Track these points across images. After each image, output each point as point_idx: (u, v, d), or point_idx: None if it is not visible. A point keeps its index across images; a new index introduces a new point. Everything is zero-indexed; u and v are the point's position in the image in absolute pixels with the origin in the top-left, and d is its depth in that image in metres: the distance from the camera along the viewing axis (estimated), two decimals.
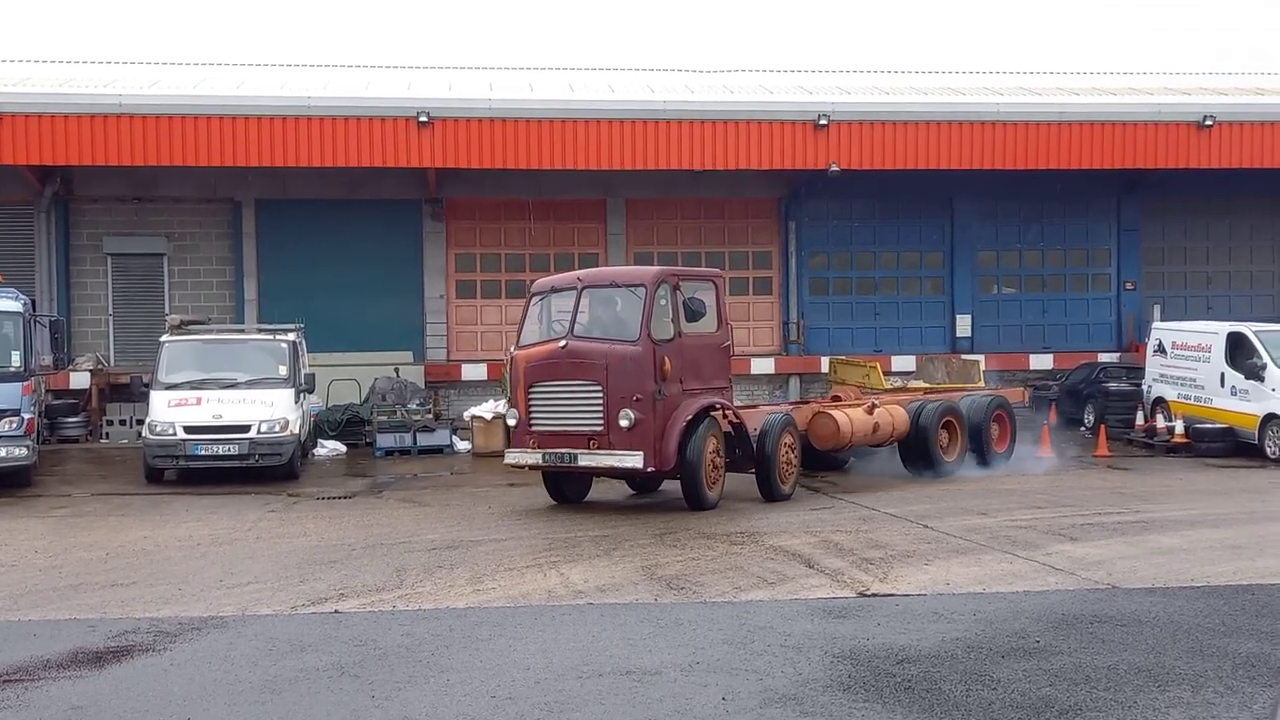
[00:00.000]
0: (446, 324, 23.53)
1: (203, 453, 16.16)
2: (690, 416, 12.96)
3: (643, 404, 12.67)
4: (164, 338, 17.62)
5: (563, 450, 13.02)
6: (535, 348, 13.47)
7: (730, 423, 13.62)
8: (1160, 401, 19.90)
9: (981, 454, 16.58)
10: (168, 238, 22.90)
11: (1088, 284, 25.47)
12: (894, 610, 8.11)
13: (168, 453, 16.20)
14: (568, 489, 14.07)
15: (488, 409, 19.57)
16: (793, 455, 14.15)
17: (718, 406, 13.51)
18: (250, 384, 16.83)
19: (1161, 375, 20.07)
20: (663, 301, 13.19)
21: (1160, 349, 20.23)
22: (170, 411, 16.34)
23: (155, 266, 22.96)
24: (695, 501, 13.00)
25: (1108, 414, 20.52)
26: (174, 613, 8.39)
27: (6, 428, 15.52)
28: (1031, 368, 23.97)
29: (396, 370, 21.42)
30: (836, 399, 16.78)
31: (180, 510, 13.92)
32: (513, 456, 13.54)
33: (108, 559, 10.66)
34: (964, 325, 24.75)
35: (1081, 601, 8.35)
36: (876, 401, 15.99)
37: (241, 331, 18.66)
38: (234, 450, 16.16)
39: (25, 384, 15.98)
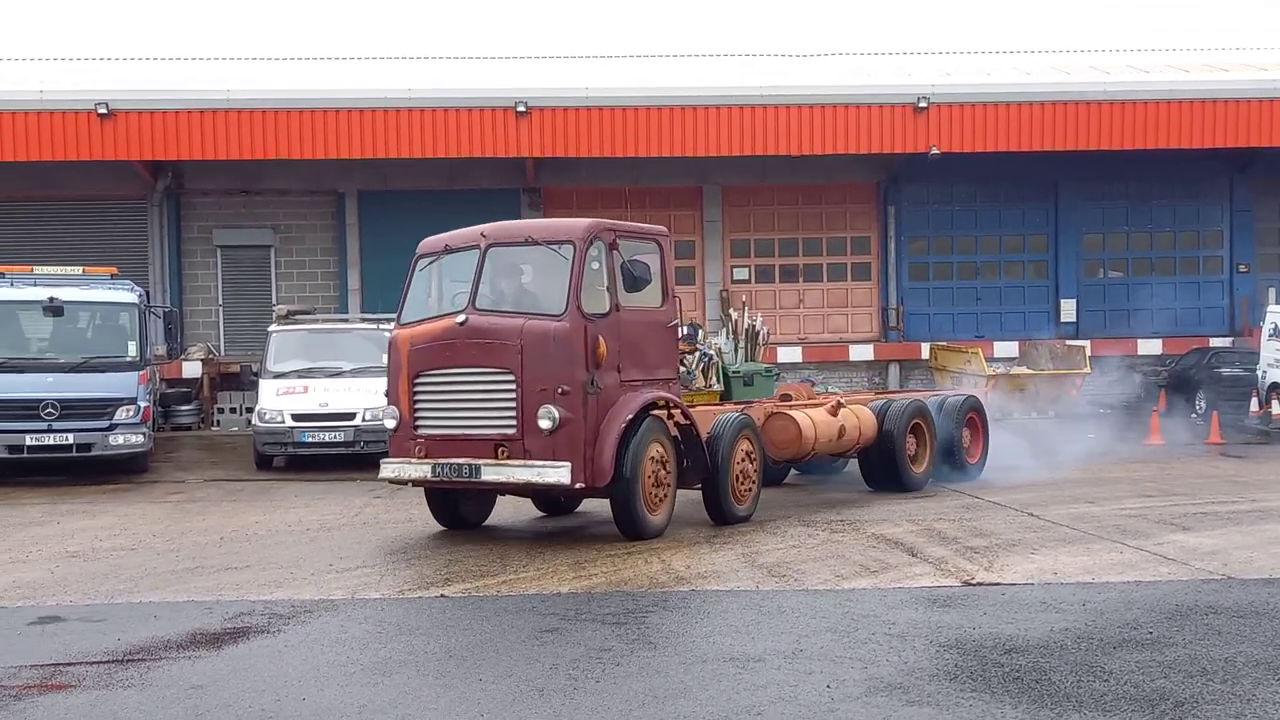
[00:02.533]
0: None
1: (310, 439, 16.54)
2: (631, 415, 10.14)
3: (570, 399, 9.84)
4: (272, 328, 18.07)
5: (461, 461, 10.09)
6: (423, 325, 10.58)
7: (678, 425, 10.87)
8: (1276, 387, 19.30)
9: (952, 464, 14.13)
10: (274, 229, 23.43)
11: (1199, 267, 24.77)
12: (1000, 599, 8.00)
13: (276, 440, 16.62)
14: (465, 509, 11.37)
15: None
16: (751, 466, 11.44)
17: (664, 403, 10.76)
18: (354, 372, 17.17)
19: (1277, 360, 19.45)
20: (595, 265, 10.36)
21: (1276, 333, 19.61)
22: (278, 400, 16.76)
23: (263, 258, 23.53)
24: (632, 527, 10.25)
25: (1220, 400, 19.96)
26: (286, 595, 8.61)
27: (124, 416, 16.05)
28: (1140, 353, 23.39)
29: None
30: (787, 398, 13.95)
31: (289, 496, 14.26)
32: (391, 469, 10.57)
33: (222, 543, 10.97)
34: (1069, 310, 24.25)
35: (1195, 592, 8.15)
36: (842, 400, 13.39)
37: (345, 321, 19.05)
38: (340, 437, 16.52)
39: (141, 373, 16.51)
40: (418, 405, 10.49)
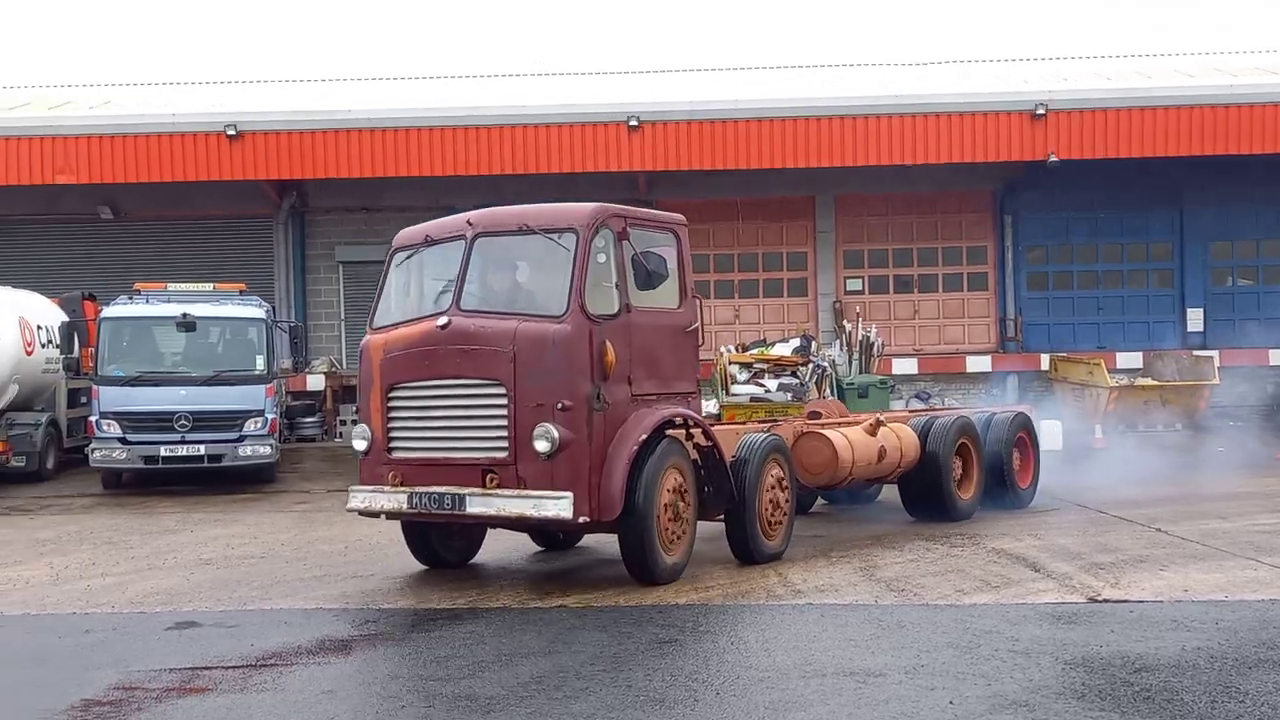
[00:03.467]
0: None
1: None
2: (644, 436, 8.74)
3: (572, 416, 8.45)
4: None
5: (442, 491, 8.71)
6: (399, 330, 9.20)
7: (699, 447, 9.47)
8: None
9: (1001, 489, 12.78)
10: None
11: None
12: (1128, 617, 7.82)
13: None
14: (447, 545, 10.03)
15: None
16: (782, 495, 10.07)
17: (682, 421, 9.35)
18: None
19: None
20: (602, 258, 8.94)
21: None
22: None
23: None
24: (643, 568, 8.89)
25: None
26: (410, 604, 8.81)
27: (253, 428, 16.58)
28: (1271, 363, 22.57)
29: None
30: (816, 415, 12.41)
31: None
32: (360, 498, 9.21)
33: (346, 551, 11.26)
34: (1195, 320, 23.51)
35: None
36: (881, 417, 11.98)
37: None
38: None
39: (268, 387, 17.03)
40: (392, 424, 9.08)
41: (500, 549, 10.79)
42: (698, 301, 9.90)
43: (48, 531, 13.15)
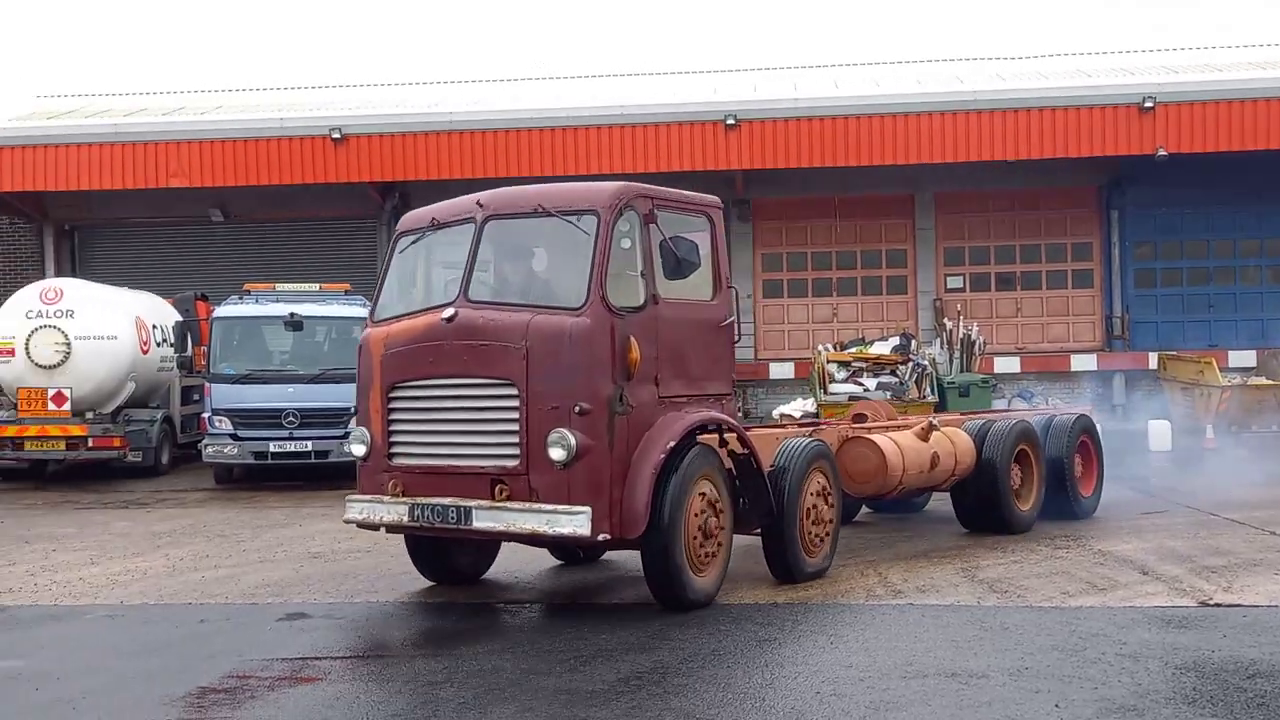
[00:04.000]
0: (754, 323, 23.77)
1: None
2: (673, 443, 7.91)
3: (591, 420, 7.62)
4: None
5: (447, 502, 7.92)
6: (401, 323, 8.41)
7: (733, 454, 8.59)
8: None
9: (1063, 498, 11.94)
10: None
11: None
12: (1241, 621, 7.62)
13: None
14: (458, 559, 9.28)
15: (796, 407, 19.64)
16: (826, 507, 9.24)
17: (715, 426, 8.47)
18: None
19: None
20: (627, 243, 8.11)
21: None
22: None
23: None
24: (670, 590, 8.03)
25: None
26: (514, 598, 8.94)
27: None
28: None
29: None
30: (862, 418, 11.62)
31: None
32: (358, 510, 8.42)
33: None
34: None
35: None
36: (934, 421, 11.23)
37: None
38: None
39: None
40: (393, 427, 8.28)
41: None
42: (734, 293, 8.92)
43: (164, 525, 13.60)
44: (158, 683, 6.77)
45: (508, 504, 7.75)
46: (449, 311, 8.04)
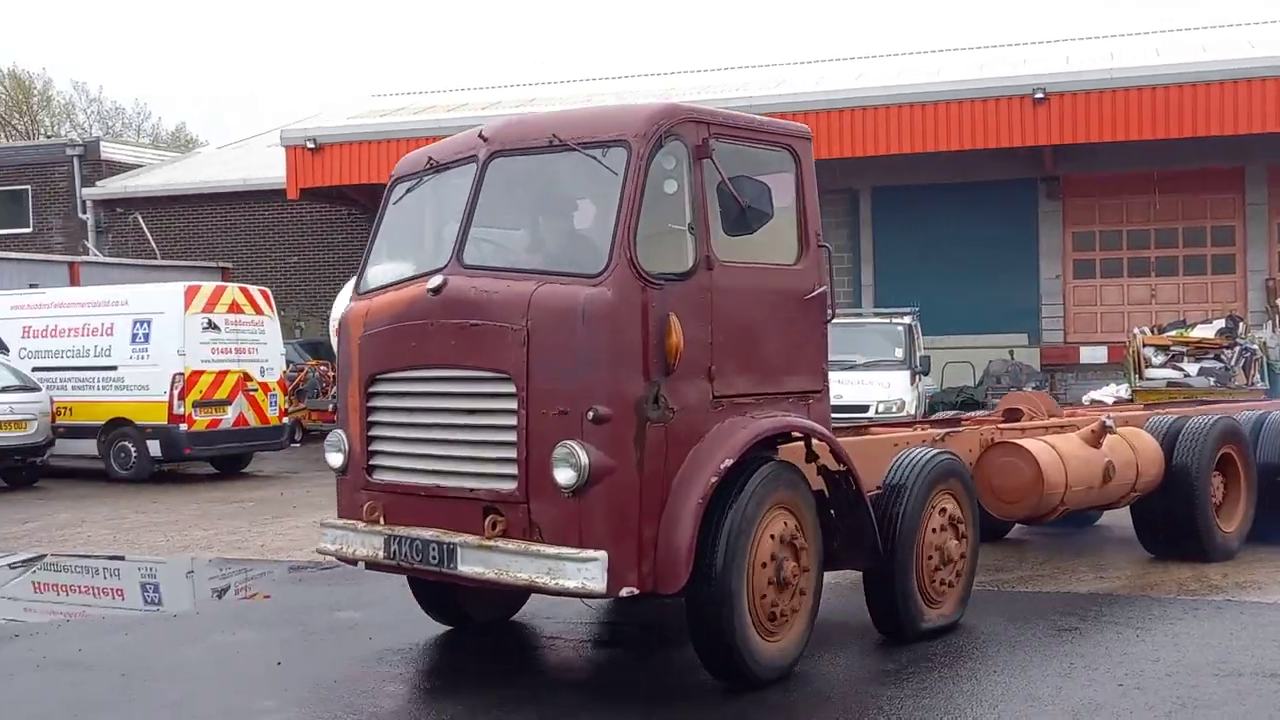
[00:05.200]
0: (1063, 305, 22.84)
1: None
2: (731, 460, 5.84)
3: (613, 430, 5.61)
4: None
5: (428, 537, 5.98)
6: (385, 294, 6.52)
7: (824, 472, 6.53)
8: None
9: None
10: None
11: None
12: None
13: None
14: (469, 600, 7.24)
15: (1108, 393, 18.76)
16: (953, 542, 7.07)
17: (797, 433, 6.44)
18: (868, 365, 17.51)
19: None
20: (671, 186, 6.05)
21: None
22: None
23: None
24: (726, 661, 5.94)
25: None
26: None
27: None
28: None
29: (1011, 353, 21.22)
30: (1015, 415, 9.60)
31: None
32: (332, 538, 6.55)
33: None
34: None
35: None
36: (1109, 420, 8.70)
37: (859, 316, 19.50)
38: None
39: None
40: (373, 432, 6.41)
41: None
42: (825, 253, 6.70)
43: None
44: (349, 644, 7.26)
45: (499, 543, 5.72)
46: (436, 280, 6.07)
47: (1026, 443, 8.23)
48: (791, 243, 6.56)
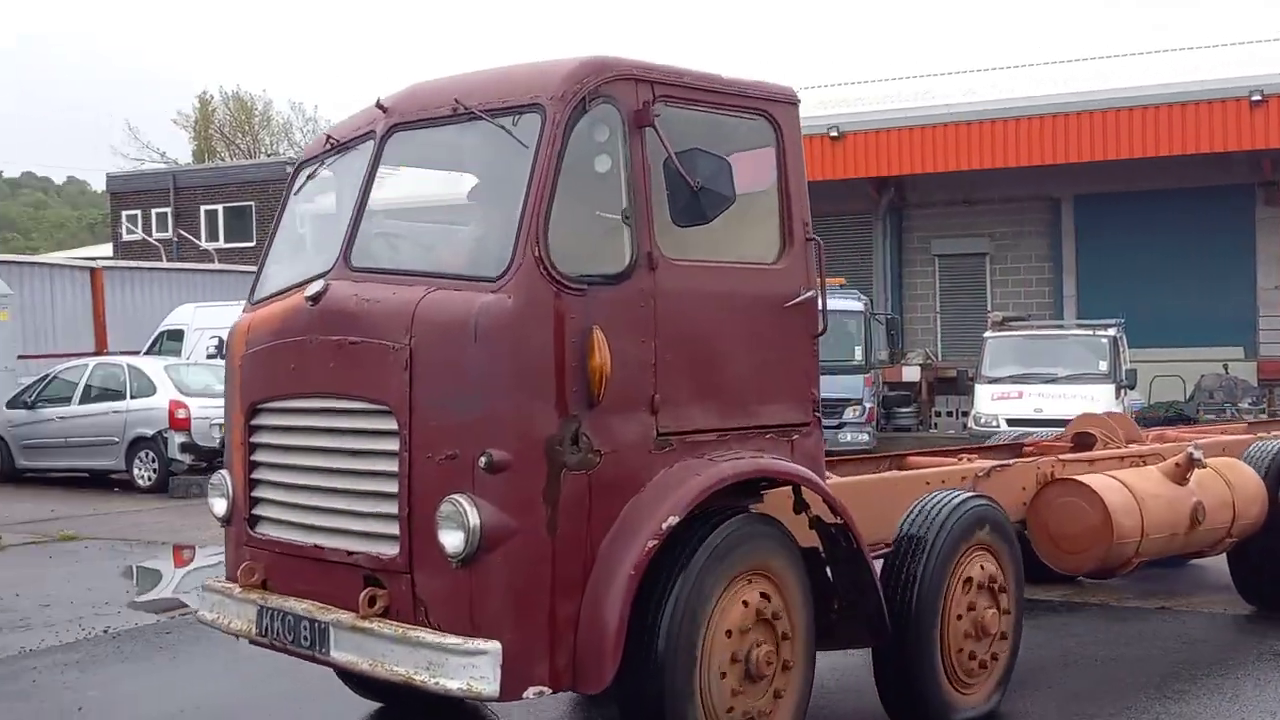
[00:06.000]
0: None
1: None
2: (677, 517, 4.41)
3: (513, 480, 4.25)
4: (987, 334, 18.56)
5: (300, 612, 4.68)
6: (269, 306, 5.22)
7: (818, 524, 5.03)
8: None
9: None
10: (989, 237, 23.93)
11: None
12: None
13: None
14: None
15: None
16: (989, 611, 5.53)
17: (775, 477, 4.98)
18: (1070, 379, 17.08)
19: None
20: (605, 162, 4.69)
21: None
22: (993, 404, 17.20)
23: (978, 265, 24.14)
24: None
25: None
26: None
27: (851, 415, 17.45)
28: None
29: (1225, 367, 20.31)
30: (1087, 442, 8.10)
31: None
32: (210, 603, 5.21)
33: None
34: None
35: None
36: (1196, 452, 6.93)
37: (1060, 327, 19.01)
38: None
39: (866, 376, 17.82)
40: (255, 474, 5.12)
41: None
42: (815, 247, 5.30)
43: None
44: None
45: (375, 625, 4.41)
46: (315, 286, 4.81)
47: (1092, 479, 6.67)
48: (772, 236, 5.17)
